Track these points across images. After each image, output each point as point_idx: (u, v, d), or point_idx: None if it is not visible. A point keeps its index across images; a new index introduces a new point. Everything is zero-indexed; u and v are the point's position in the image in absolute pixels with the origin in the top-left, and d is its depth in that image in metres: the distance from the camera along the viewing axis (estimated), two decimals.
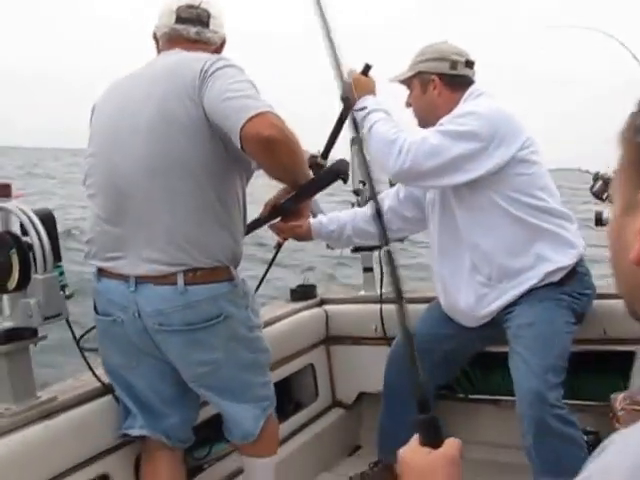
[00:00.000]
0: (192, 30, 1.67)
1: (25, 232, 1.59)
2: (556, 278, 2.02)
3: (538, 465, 1.89)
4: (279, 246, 2.33)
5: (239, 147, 1.51)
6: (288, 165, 1.58)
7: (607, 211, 2.42)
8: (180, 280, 1.59)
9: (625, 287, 0.63)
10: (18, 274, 1.56)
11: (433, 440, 0.92)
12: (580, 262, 2.06)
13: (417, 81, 2.14)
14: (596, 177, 2.44)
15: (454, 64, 2.10)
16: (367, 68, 2.11)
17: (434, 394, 2.38)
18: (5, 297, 1.64)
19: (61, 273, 1.64)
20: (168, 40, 1.70)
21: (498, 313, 2.09)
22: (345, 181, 1.82)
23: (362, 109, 2.04)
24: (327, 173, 1.86)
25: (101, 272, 1.68)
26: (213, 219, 1.62)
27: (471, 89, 2.11)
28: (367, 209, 2.38)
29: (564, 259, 2.03)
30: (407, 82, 2.18)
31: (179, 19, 1.67)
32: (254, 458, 1.88)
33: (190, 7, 1.67)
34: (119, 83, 1.72)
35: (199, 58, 1.60)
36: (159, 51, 1.74)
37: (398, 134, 1.95)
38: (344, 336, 2.66)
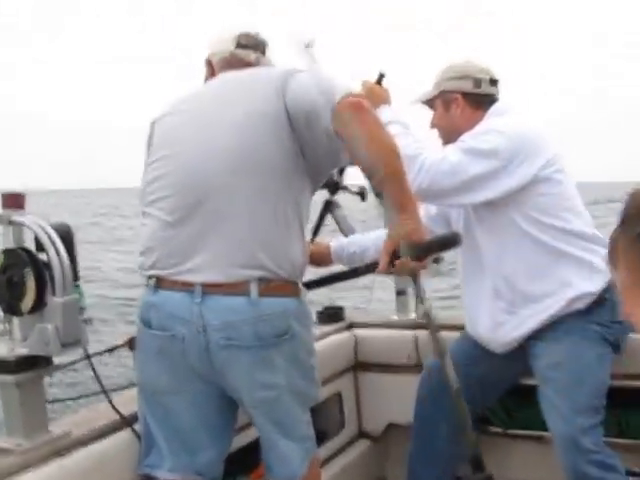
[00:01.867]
0: (252, 55, 1.72)
1: (39, 248, 1.44)
2: (581, 305, 1.89)
3: None
4: None
5: (328, 125, 1.43)
6: (382, 138, 1.46)
7: None
8: (254, 289, 1.47)
9: None
10: (34, 295, 1.41)
11: None
12: (609, 289, 1.91)
13: (440, 100, 2.08)
14: None
15: (478, 82, 2.04)
16: (381, 77, 2.05)
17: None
18: (16, 320, 1.48)
19: (80, 295, 1.47)
20: (227, 64, 1.72)
21: (524, 343, 1.97)
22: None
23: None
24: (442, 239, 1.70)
25: (160, 283, 1.54)
26: (293, 225, 1.54)
27: (495, 107, 2.04)
28: None
29: (589, 285, 1.89)
30: (430, 102, 2.12)
31: (239, 45, 1.72)
32: None
33: (249, 35, 1.75)
34: (183, 97, 1.68)
35: (277, 66, 1.64)
36: (212, 75, 1.74)
37: (418, 151, 1.87)
38: (374, 363, 2.50)
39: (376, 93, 2.01)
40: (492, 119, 2.00)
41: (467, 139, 1.91)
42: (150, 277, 1.55)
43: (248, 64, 1.71)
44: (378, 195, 1.50)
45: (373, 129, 1.44)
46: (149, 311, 1.56)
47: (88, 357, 1.53)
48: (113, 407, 1.61)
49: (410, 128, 1.98)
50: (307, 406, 1.67)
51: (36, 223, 1.42)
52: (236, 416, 1.67)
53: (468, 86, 2.03)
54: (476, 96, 2.03)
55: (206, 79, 1.76)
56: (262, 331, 1.48)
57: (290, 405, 1.59)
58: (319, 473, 1.79)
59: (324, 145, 1.49)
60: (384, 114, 1.95)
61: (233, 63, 1.70)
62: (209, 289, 1.47)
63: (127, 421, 1.63)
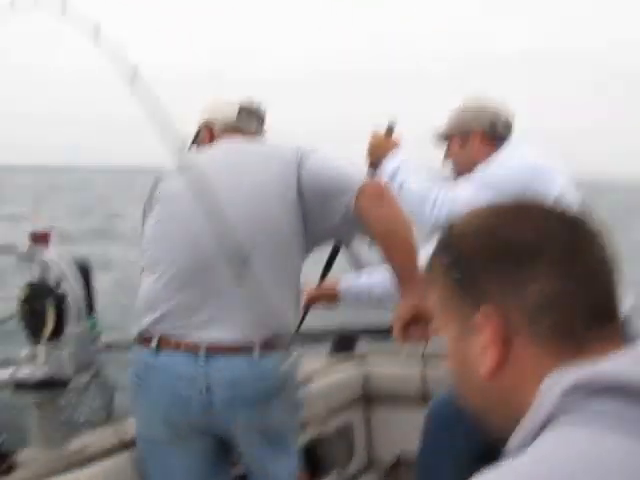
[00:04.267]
0: (254, 127, 1.80)
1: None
2: None
3: None
4: (307, 308, 2.36)
5: (348, 204, 1.58)
6: (393, 223, 1.61)
7: None
8: (257, 350, 1.56)
9: (481, 406, 0.70)
10: (53, 324, 1.58)
11: None
12: None
13: (457, 136, 2.14)
14: None
15: (494, 123, 2.10)
16: (390, 130, 2.13)
17: (475, 464, 2.26)
18: (40, 346, 1.65)
19: (93, 325, 1.65)
20: (229, 131, 1.78)
21: None
22: None
23: (388, 168, 2.05)
24: None
25: (161, 345, 1.57)
26: (293, 292, 1.67)
27: (508, 142, 2.10)
28: None
29: None
30: (445, 136, 2.18)
31: (241, 114, 1.79)
32: None
33: (251, 106, 1.82)
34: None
35: (287, 143, 1.72)
36: (211, 140, 1.80)
37: (431, 189, 1.95)
38: (384, 395, 2.57)
39: (385, 143, 2.11)
40: (504, 153, 2.06)
41: (479, 174, 1.99)
42: (149, 338, 1.58)
43: (250, 134, 1.79)
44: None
45: (395, 216, 1.61)
46: (148, 372, 1.59)
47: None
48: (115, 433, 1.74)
49: (421, 170, 2.06)
50: (298, 425, 1.79)
51: (57, 259, 1.60)
52: (230, 460, 1.75)
53: (485, 125, 2.10)
54: (493, 134, 2.10)
55: (202, 143, 1.81)
56: (264, 387, 1.58)
57: (286, 433, 1.72)
58: None
59: (334, 223, 1.63)
60: (394, 160, 2.07)
61: (235, 130, 1.77)
62: (212, 351, 1.55)
63: (126, 445, 1.74)
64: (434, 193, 1.94)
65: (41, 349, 1.63)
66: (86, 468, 1.65)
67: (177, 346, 1.56)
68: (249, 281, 1.51)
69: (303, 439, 2.25)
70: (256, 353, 1.56)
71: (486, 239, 0.68)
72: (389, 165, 2.09)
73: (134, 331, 1.62)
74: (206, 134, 1.81)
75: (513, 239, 0.67)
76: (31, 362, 1.65)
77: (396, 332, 1.61)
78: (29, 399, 1.63)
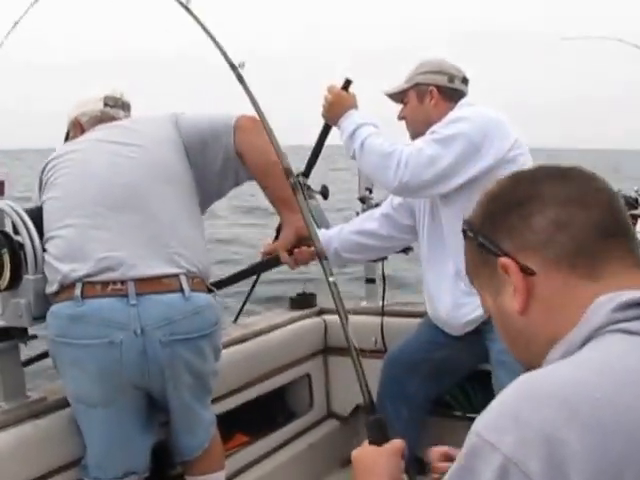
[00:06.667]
0: (121, 113, 1.89)
1: (16, 231, 1.60)
2: None
3: None
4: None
5: (228, 142, 1.74)
6: (269, 151, 1.63)
7: None
8: (186, 285, 1.59)
9: (520, 347, 0.78)
10: (10, 273, 1.57)
11: (379, 439, 1.07)
12: None
13: (414, 93, 2.15)
14: None
15: (452, 78, 2.14)
16: (347, 83, 2.12)
17: (429, 409, 2.35)
18: None
19: None
20: (99, 121, 1.85)
21: (481, 327, 2.05)
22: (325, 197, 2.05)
23: (348, 125, 2.05)
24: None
25: (86, 292, 1.53)
26: (200, 228, 1.76)
27: (463, 100, 2.13)
28: (355, 222, 2.39)
29: None
30: (401, 96, 2.19)
31: (107, 105, 1.88)
32: (208, 475, 1.81)
33: (115, 97, 1.90)
34: (73, 142, 1.83)
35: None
36: (81, 133, 1.85)
37: (393, 147, 1.95)
38: (343, 347, 2.61)
39: (343, 98, 2.10)
40: (459, 109, 2.09)
41: (438, 129, 1.99)
42: (71, 286, 1.53)
43: (118, 121, 1.86)
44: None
45: (267, 140, 1.62)
46: (73, 326, 1.53)
47: None
48: None
49: (380, 128, 2.06)
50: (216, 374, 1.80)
51: (12, 208, 1.58)
52: (157, 415, 1.73)
53: (443, 80, 2.13)
54: (449, 90, 2.13)
55: (72, 138, 1.87)
56: (199, 323, 1.61)
57: (208, 379, 1.74)
58: (220, 441, 1.89)
59: (218, 167, 1.78)
60: (353, 118, 2.06)
61: (104, 120, 1.84)
62: (143, 288, 1.53)
63: None
64: (397, 151, 1.93)
65: (0, 298, 1.62)
66: (47, 417, 1.66)
67: (104, 289, 1.53)
68: (160, 216, 1.64)
69: (263, 389, 2.32)
70: (187, 287, 1.58)
71: (491, 205, 0.80)
72: (348, 122, 2.06)
73: (51, 289, 1.57)
74: (77, 130, 1.86)
75: (510, 196, 0.77)
76: None
77: (285, 259, 1.75)
78: None
